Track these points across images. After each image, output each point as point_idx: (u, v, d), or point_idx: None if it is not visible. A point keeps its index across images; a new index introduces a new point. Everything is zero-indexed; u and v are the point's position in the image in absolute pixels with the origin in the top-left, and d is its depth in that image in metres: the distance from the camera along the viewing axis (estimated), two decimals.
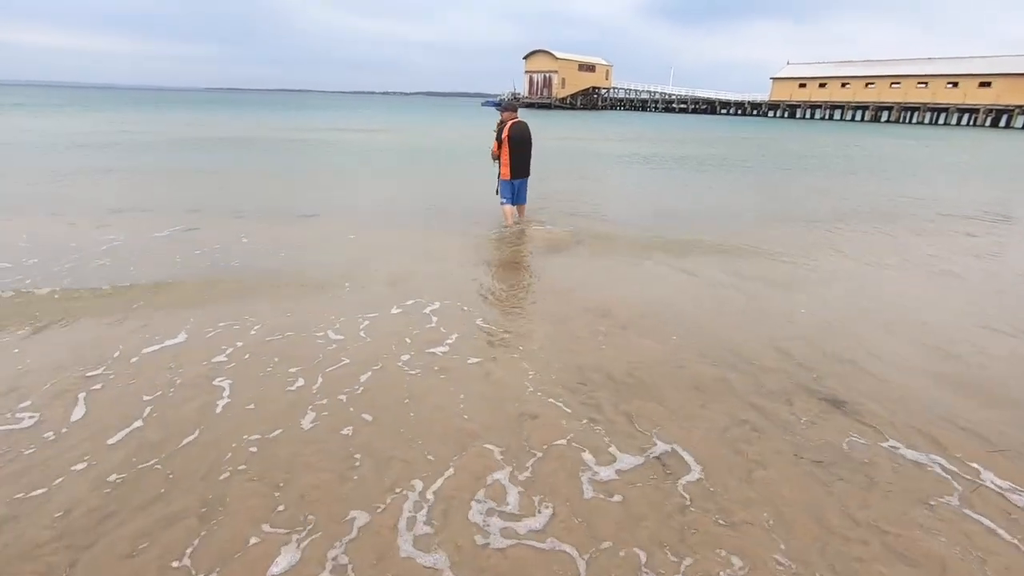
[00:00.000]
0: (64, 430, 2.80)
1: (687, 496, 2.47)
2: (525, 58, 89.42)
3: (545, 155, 16.22)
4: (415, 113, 55.04)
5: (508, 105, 7.37)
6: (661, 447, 2.80)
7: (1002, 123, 60.82)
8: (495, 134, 7.30)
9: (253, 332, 3.98)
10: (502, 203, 7.44)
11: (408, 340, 3.94)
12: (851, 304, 5.01)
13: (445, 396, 3.24)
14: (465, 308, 4.60)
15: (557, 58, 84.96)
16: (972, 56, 64.68)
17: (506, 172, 7.26)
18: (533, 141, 7.41)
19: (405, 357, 3.68)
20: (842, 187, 12.96)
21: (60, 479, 2.46)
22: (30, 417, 2.91)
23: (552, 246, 6.69)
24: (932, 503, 2.48)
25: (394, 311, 4.46)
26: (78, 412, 2.96)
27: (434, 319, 4.33)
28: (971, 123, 62.81)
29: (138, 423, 2.87)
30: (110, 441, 2.72)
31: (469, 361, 3.67)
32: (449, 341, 3.94)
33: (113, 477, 2.48)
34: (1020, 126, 59.21)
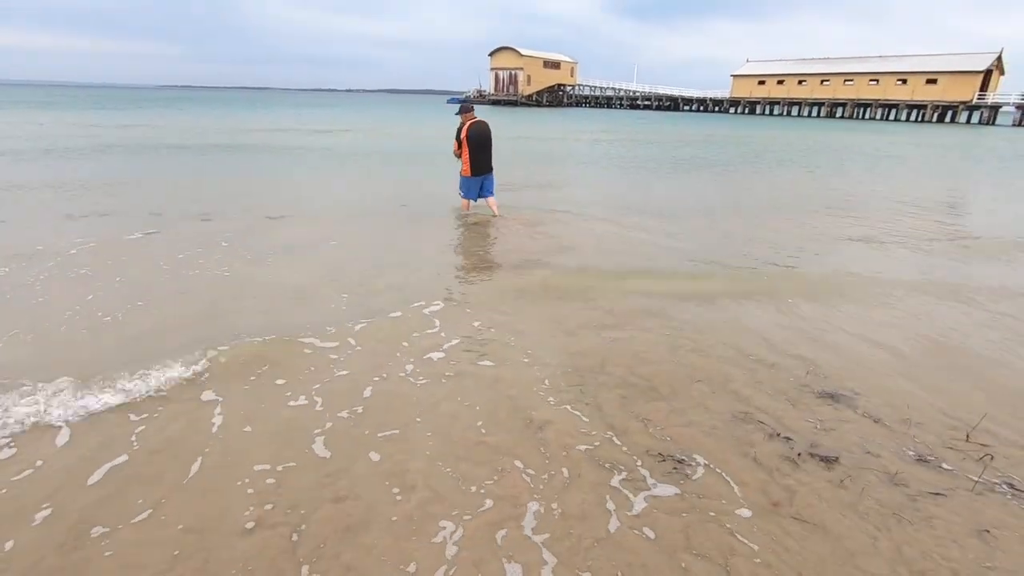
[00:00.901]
0: (39, 463, 2.53)
1: (747, 543, 2.19)
2: (491, 55, 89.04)
3: (514, 156, 16.12)
4: (380, 111, 54.12)
5: (465, 107, 7.71)
6: (687, 462, 2.69)
7: (947, 118, 63.78)
8: (455, 134, 7.71)
9: (237, 339, 3.73)
10: (461, 195, 8.01)
11: (407, 344, 3.77)
12: (842, 307, 5.07)
13: (457, 405, 3.09)
14: (467, 310, 4.45)
15: (522, 55, 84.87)
16: (920, 54, 67.60)
17: (467, 170, 7.71)
18: (493, 138, 7.78)
19: (409, 367, 3.51)
20: (817, 186, 13.29)
21: (10, 543, 2.08)
22: (9, 448, 2.63)
23: (540, 246, 6.58)
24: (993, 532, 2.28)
25: (394, 314, 4.28)
26: (61, 439, 2.69)
27: (436, 322, 4.16)
28: (919, 119, 65.63)
29: (122, 457, 2.60)
30: (91, 480, 2.45)
31: (475, 365, 3.53)
32: (449, 345, 3.79)
33: (95, 531, 2.16)
34: (963, 121, 62.20)
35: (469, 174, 7.71)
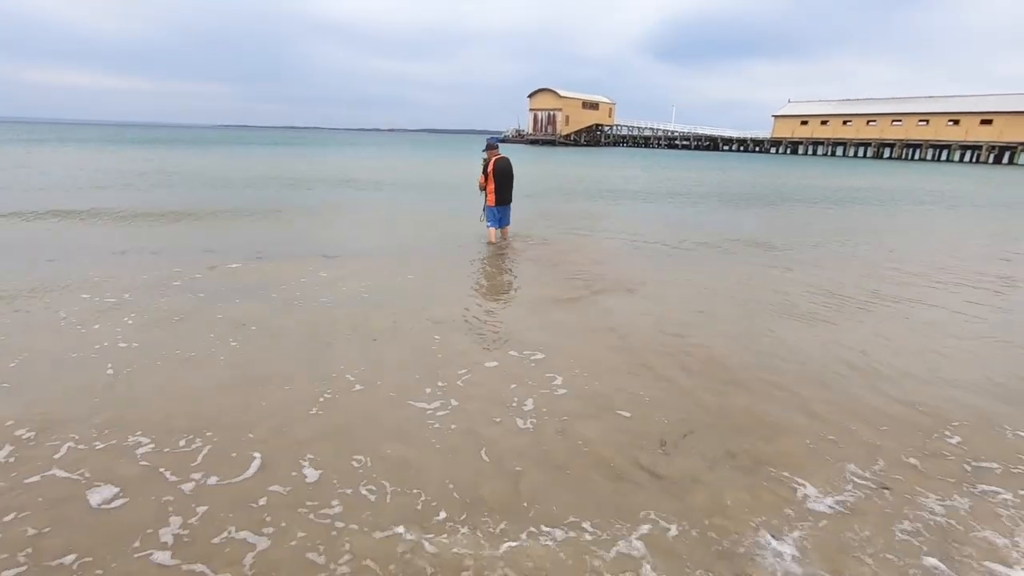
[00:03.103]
0: None
1: None
2: (530, 96, 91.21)
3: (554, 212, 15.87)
4: (424, 151, 55.58)
5: (491, 144, 8.56)
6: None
7: (1005, 159, 61.43)
8: (482, 168, 8.48)
9: (332, 400, 3.53)
10: (488, 226, 8.63)
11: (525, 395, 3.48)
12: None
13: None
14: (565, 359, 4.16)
15: (561, 96, 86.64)
16: (972, 95, 65.82)
17: (492, 199, 8.48)
18: (515, 173, 8.67)
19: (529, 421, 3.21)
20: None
21: None
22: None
23: (607, 286, 6.31)
24: None
25: (489, 363, 4.03)
26: None
27: (556, 376, 3.87)
28: (974, 160, 63.43)
29: (247, 533, 2.40)
30: None
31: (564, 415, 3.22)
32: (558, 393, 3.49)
33: None
34: (1023, 162, 59.75)
35: (494, 204, 8.49)
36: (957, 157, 64.75)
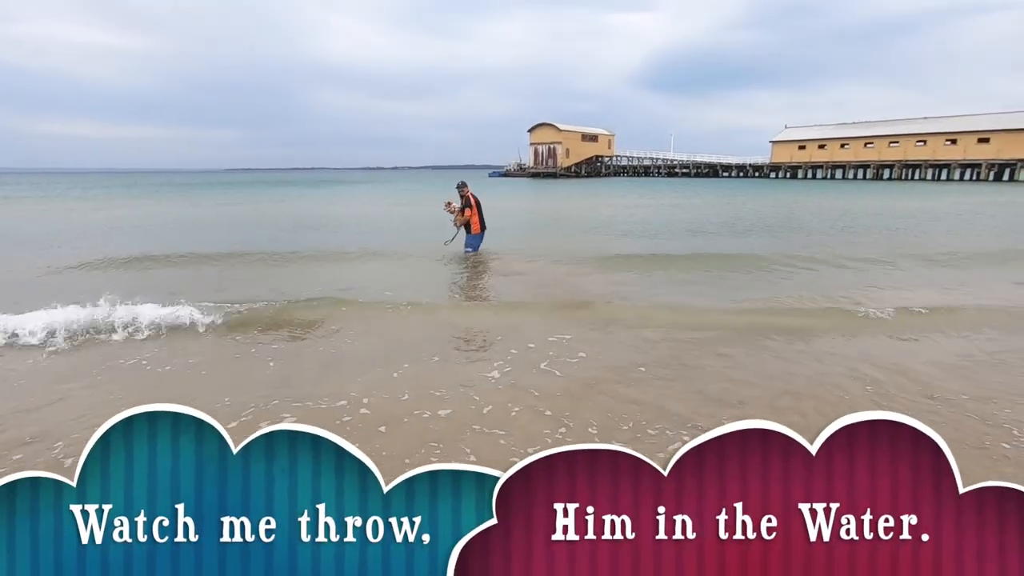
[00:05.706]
0: None
1: None
2: (530, 131, 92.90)
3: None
4: (432, 188, 56.19)
5: (462, 183, 10.17)
6: None
7: (1005, 176, 61.70)
8: (462, 204, 9.99)
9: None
10: (467, 252, 10.16)
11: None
12: None
13: None
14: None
15: (561, 130, 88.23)
16: (968, 114, 66.64)
17: (477, 227, 10.15)
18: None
19: None
20: None
21: None
22: None
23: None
24: None
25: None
26: None
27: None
28: (973, 178, 63.74)
29: None
30: None
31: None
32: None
33: None
34: (1023, 179, 59.92)
35: (479, 231, 10.18)
36: (957, 176, 65.09)
